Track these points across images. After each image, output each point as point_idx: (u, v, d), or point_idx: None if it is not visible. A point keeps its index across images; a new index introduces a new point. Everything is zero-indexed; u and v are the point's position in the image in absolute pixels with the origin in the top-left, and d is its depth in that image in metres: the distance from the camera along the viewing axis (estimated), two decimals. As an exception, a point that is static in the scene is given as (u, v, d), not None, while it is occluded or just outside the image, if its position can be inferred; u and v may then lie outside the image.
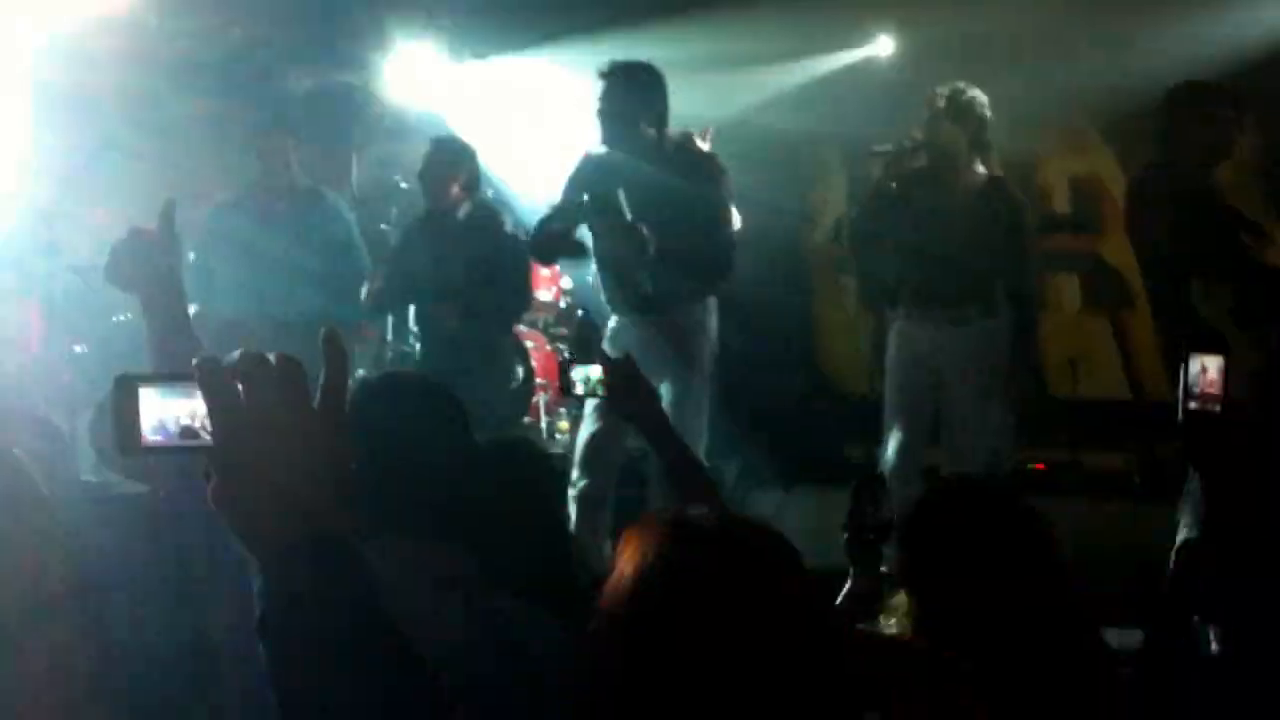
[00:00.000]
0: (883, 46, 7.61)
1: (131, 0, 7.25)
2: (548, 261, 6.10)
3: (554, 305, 7.22)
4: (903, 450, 5.18)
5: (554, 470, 3.03)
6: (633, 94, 4.91)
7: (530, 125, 7.48)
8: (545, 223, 5.20)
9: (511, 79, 7.74)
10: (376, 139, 7.88)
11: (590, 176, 5.04)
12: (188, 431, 1.12)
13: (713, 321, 5.15)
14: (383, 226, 7.18)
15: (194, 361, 1.11)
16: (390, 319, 6.80)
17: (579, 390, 2.86)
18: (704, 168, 4.97)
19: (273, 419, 1.10)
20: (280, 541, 1.09)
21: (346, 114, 7.80)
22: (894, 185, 5.16)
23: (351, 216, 6.10)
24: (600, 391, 2.83)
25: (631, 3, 7.24)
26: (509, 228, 5.80)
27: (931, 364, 5.21)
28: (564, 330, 7.27)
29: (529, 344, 6.82)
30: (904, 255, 5.28)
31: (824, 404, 7.49)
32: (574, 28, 7.41)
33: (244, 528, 1.11)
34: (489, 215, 5.81)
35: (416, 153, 5.94)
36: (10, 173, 5.88)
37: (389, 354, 6.87)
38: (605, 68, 4.95)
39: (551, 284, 7.14)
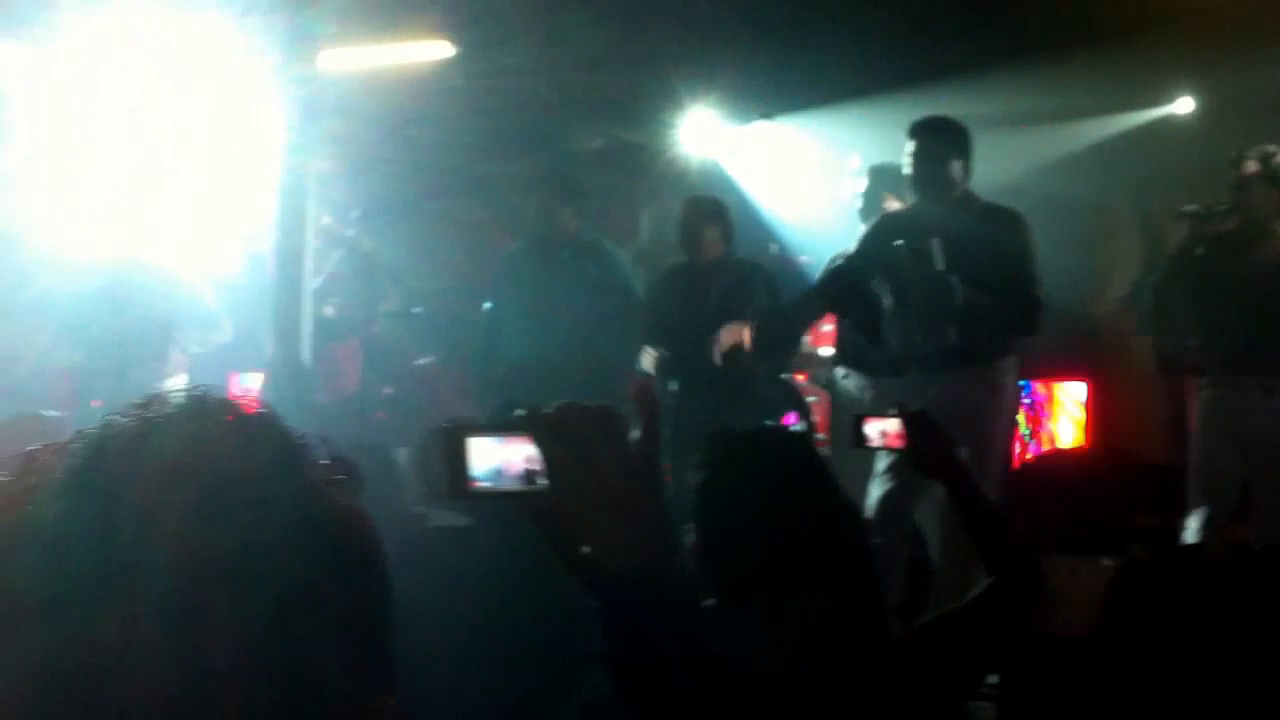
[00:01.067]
0: (1182, 105, 7.37)
1: (438, 63, 7.73)
2: (835, 308, 6.04)
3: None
4: (1208, 523, 4.95)
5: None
6: (943, 150, 4.89)
7: (813, 184, 7.54)
8: (838, 270, 5.22)
9: (799, 138, 7.83)
10: (661, 197, 8.10)
11: (894, 230, 5.01)
12: (515, 478, 1.20)
13: (1013, 381, 5.06)
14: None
15: (518, 412, 1.19)
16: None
17: (874, 443, 2.83)
18: (1011, 225, 4.89)
19: (598, 465, 1.17)
20: (614, 579, 1.16)
21: (633, 171, 8.04)
22: (1200, 249, 4.99)
23: (630, 269, 6.28)
24: (897, 445, 2.79)
25: (913, 63, 7.23)
26: (762, 281, 5.90)
27: (1240, 434, 4.98)
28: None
29: (812, 399, 6.82)
30: (1210, 320, 5.08)
31: (1112, 470, 7.20)
32: (860, 88, 7.45)
33: (579, 566, 1.18)
34: (743, 268, 5.94)
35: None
36: (337, 220, 6.27)
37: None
38: (917, 124, 4.94)
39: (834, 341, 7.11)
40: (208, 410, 0.88)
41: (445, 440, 1.19)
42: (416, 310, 6.68)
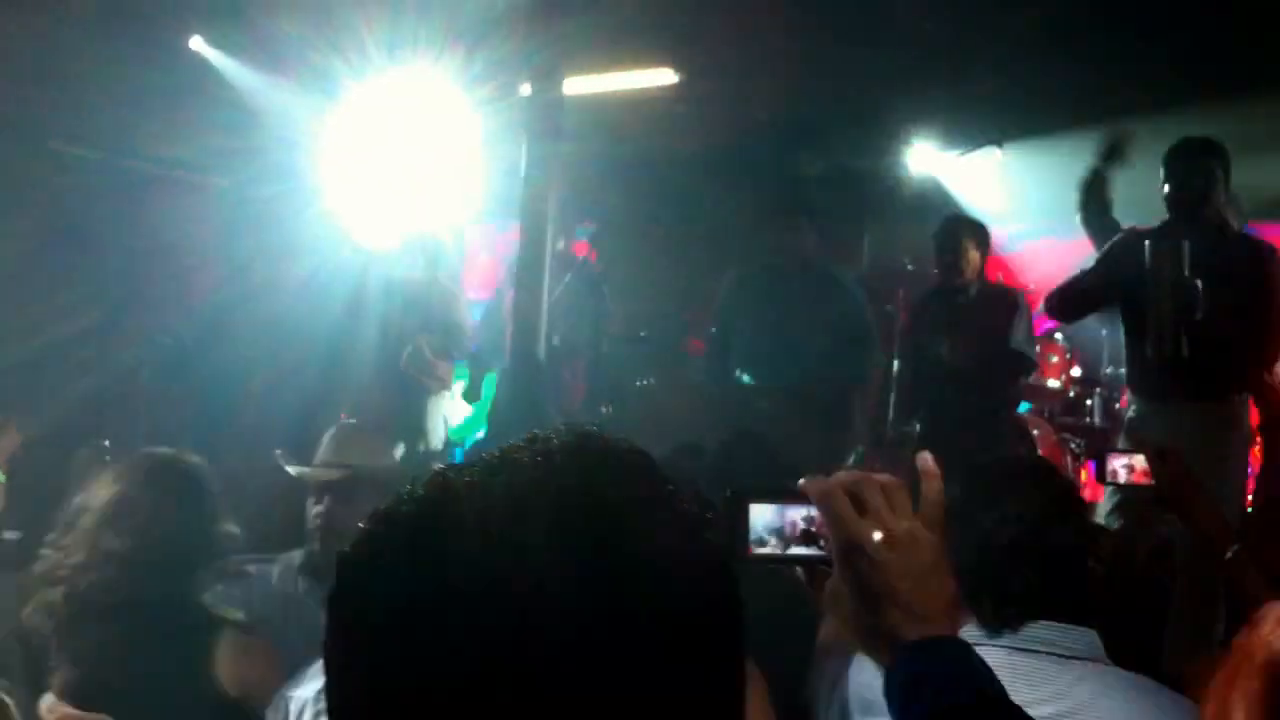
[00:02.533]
0: None
1: (661, 89, 7.89)
2: (1069, 316, 5.87)
3: (1063, 393, 7.05)
4: None
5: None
6: (1201, 172, 4.74)
7: (1044, 210, 7.41)
8: (1078, 280, 5.11)
9: (1028, 164, 7.70)
10: (885, 222, 8.07)
11: (1140, 247, 4.87)
12: (798, 541, 1.25)
13: (1246, 415, 4.86)
14: (887, 308, 7.31)
15: (801, 482, 1.24)
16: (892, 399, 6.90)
17: (1120, 479, 2.78)
18: (1263, 256, 4.71)
19: (883, 532, 1.21)
20: (915, 644, 1.19)
21: (857, 196, 8.04)
22: None
23: (862, 294, 6.28)
24: (1142, 481, 2.73)
25: (1152, 87, 7.04)
26: (1020, 306, 5.81)
27: None
28: (1071, 420, 7.07)
29: (1035, 431, 6.70)
30: None
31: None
32: (1092, 114, 7.28)
33: (873, 632, 1.21)
34: (1000, 294, 5.84)
35: (924, 236, 6.07)
36: (567, 243, 6.48)
37: (888, 433, 6.96)
38: (1176, 146, 4.81)
39: (1060, 371, 7.00)
40: (594, 446, 0.92)
41: (729, 506, 1.26)
42: (643, 334, 6.82)
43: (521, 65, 6.39)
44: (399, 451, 5.69)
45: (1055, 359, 6.91)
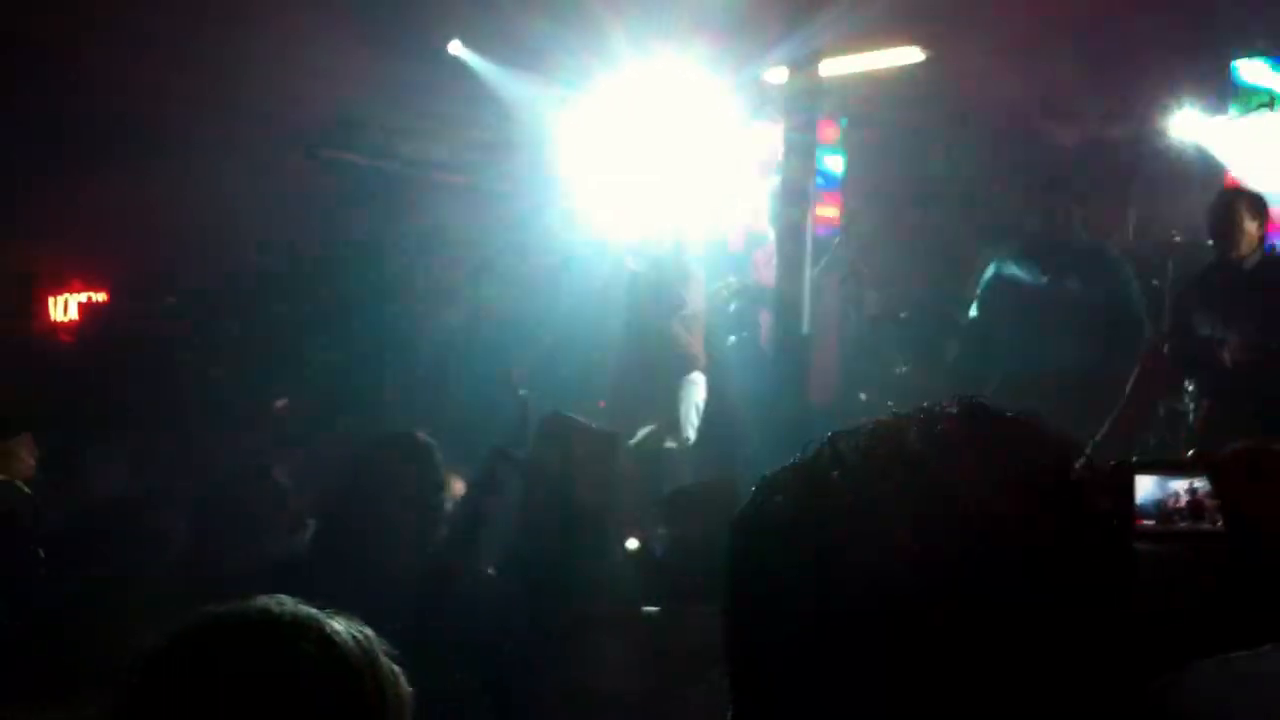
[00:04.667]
0: None
1: (914, 69, 7.79)
2: None
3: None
4: None
5: None
6: None
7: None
8: None
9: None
10: (1150, 192, 7.74)
11: None
12: (1186, 515, 1.19)
13: None
14: (1154, 283, 7.01)
15: (1191, 452, 1.18)
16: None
17: None
18: None
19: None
20: None
21: (1120, 167, 7.74)
22: None
23: (1130, 270, 6.04)
24: None
25: None
26: None
27: None
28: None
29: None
30: None
31: None
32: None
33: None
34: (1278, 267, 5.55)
35: (1192, 207, 5.80)
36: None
37: (1160, 411, 6.68)
38: None
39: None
40: (990, 417, 0.93)
41: (1114, 477, 1.21)
42: (903, 315, 6.73)
43: (772, 51, 6.40)
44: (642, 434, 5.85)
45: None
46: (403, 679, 1.47)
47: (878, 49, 7.95)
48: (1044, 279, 5.88)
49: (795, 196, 5.66)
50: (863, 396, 6.50)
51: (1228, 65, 7.63)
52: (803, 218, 5.66)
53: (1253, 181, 7.18)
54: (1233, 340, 5.39)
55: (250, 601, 1.43)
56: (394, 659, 1.48)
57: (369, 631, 1.46)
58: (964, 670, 0.84)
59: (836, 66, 7.40)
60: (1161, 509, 1.20)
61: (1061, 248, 5.93)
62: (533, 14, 7.17)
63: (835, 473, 0.90)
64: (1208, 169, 7.33)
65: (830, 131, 8.45)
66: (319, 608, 1.44)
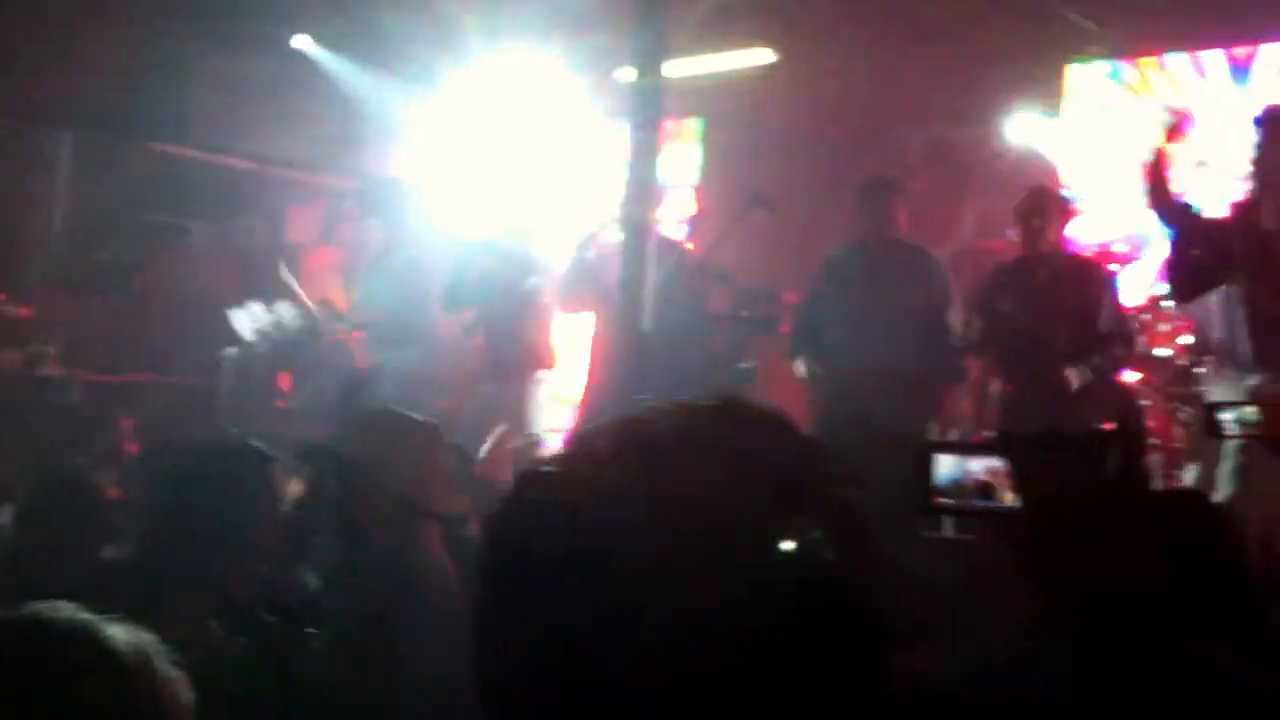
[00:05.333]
0: None
1: (763, 69, 7.90)
2: (1186, 297, 5.78)
3: (1173, 362, 6.88)
4: None
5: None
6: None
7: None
8: (1186, 259, 5.07)
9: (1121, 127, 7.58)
10: (983, 194, 7.97)
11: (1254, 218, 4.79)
12: (979, 494, 1.26)
13: None
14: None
15: (992, 434, 1.25)
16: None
17: (1230, 431, 2.74)
18: None
19: (1079, 491, 1.20)
20: (1095, 603, 1.19)
21: (954, 169, 7.96)
22: None
23: (946, 273, 6.21)
24: (1256, 431, 2.70)
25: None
26: (1105, 278, 5.77)
27: None
28: (1181, 389, 6.90)
29: (1145, 402, 6.58)
30: None
31: None
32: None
33: (1051, 587, 1.21)
34: (1081, 265, 5.81)
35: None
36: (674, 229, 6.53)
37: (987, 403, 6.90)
38: (1261, 114, 4.74)
39: (1170, 340, 6.83)
40: (739, 409, 0.96)
41: (916, 455, 1.27)
42: (744, 314, 6.83)
43: (621, 51, 6.42)
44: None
45: (1165, 327, 6.75)
46: (184, 686, 1.49)
47: (729, 50, 8.06)
48: (864, 278, 6.05)
49: (638, 196, 5.70)
50: (703, 391, 6.56)
51: (1062, 69, 7.91)
52: (646, 217, 5.71)
53: (1083, 181, 7.47)
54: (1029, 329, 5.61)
55: (27, 607, 1.46)
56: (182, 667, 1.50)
57: (150, 638, 1.48)
58: (697, 661, 0.85)
59: (690, 67, 7.49)
60: (960, 487, 1.26)
61: (890, 246, 6.10)
62: (384, 9, 7.12)
63: (584, 466, 0.92)
64: (1043, 170, 7.58)
65: (684, 131, 8.55)
66: (126, 615, 1.48)
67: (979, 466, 1.28)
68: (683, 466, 0.90)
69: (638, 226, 5.69)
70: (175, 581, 2.73)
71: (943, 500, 1.29)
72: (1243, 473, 4.58)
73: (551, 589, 0.87)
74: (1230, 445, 4.49)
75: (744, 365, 6.93)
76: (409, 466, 3.36)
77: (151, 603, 2.50)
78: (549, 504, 0.91)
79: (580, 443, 0.95)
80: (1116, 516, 1.25)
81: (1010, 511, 1.25)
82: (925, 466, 1.29)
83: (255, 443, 3.22)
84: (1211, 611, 2.31)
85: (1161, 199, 5.02)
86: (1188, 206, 5.06)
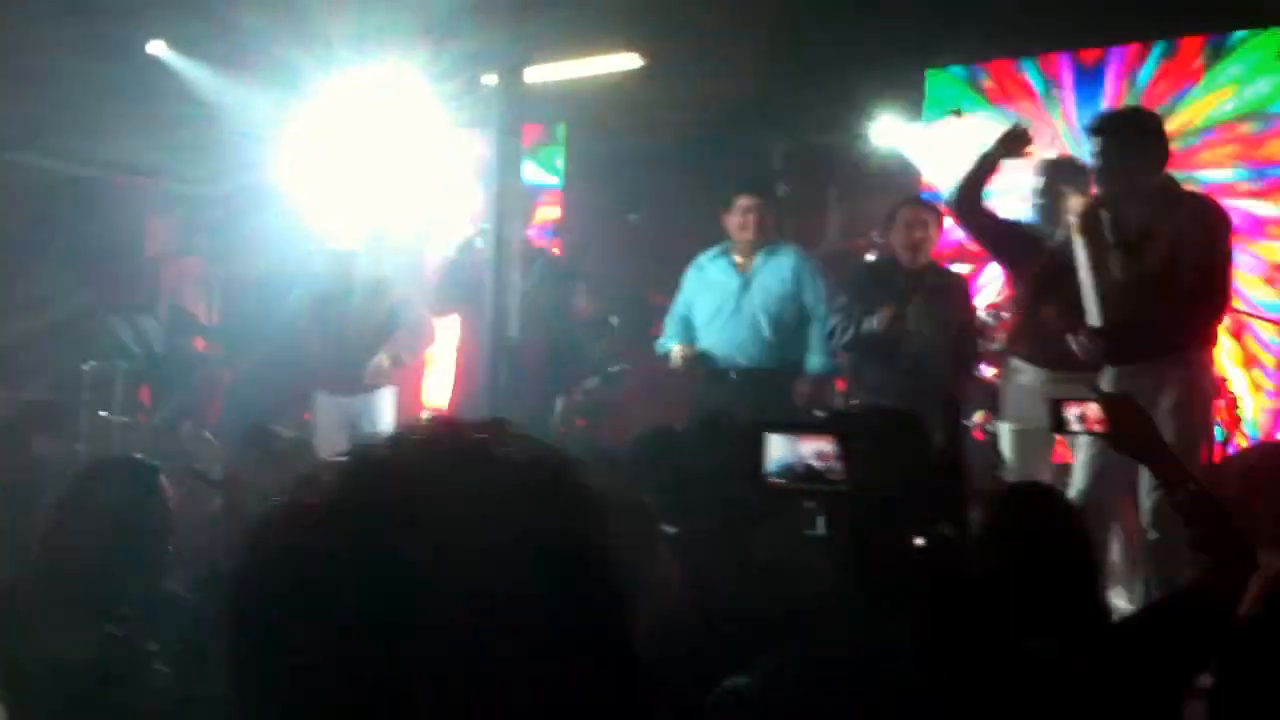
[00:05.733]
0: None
1: (629, 75, 7.92)
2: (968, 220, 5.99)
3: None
4: None
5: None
6: (1127, 144, 4.82)
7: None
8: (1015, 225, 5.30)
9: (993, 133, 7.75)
10: (852, 195, 8.12)
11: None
12: (809, 473, 1.28)
13: (1206, 373, 4.89)
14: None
15: (821, 414, 1.28)
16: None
17: (1074, 427, 2.82)
18: (1205, 214, 4.79)
19: (901, 468, 1.23)
20: (923, 575, 1.21)
21: (823, 173, 8.09)
22: None
23: (811, 271, 6.31)
24: (1098, 429, 2.78)
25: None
26: (960, 288, 5.99)
27: None
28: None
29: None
30: None
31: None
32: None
33: (873, 560, 1.24)
34: (949, 271, 6.02)
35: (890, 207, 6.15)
36: (536, 231, 6.51)
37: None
38: (1094, 123, 4.90)
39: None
40: (454, 438, 0.93)
41: (746, 436, 1.28)
42: (613, 319, 6.86)
43: (486, 56, 6.40)
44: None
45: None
46: None
47: (594, 55, 8.07)
48: (732, 280, 6.16)
49: (504, 202, 5.70)
50: (575, 397, 6.61)
51: (922, 75, 8.08)
52: (509, 223, 5.71)
53: (941, 182, 7.63)
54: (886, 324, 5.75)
55: None
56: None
57: None
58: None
59: (556, 72, 7.49)
60: (793, 466, 1.28)
61: (750, 246, 6.20)
62: (244, 14, 6.99)
63: (310, 500, 0.91)
64: (904, 173, 7.74)
65: (548, 136, 8.54)
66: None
67: (812, 447, 1.30)
68: (405, 483, 0.89)
69: (503, 233, 5.69)
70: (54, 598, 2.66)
71: (775, 480, 1.31)
72: (1089, 468, 4.75)
73: (288, 626, 0.86)
74: (1080, 441, 4.65)
75: (613, 369, 6.97)
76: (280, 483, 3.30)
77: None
78: (274, 542, 0.90)
79: (312, 476, 0.93)
80: (935, 495, 1.28)
81: (837, 489, 1.27)
82: (758, 446, 1.31)
83: (139, 456, 3.15)
84: (1054, 605, 2.37)
85: (969, 208, 5.19)
86: (994, 217, 5.26)
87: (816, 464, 1.29)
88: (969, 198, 5.18)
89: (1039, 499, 2.88)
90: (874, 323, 5.71)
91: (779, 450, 1.31)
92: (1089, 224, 4.80)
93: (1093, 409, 2.76)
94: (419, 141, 6.88)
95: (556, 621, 0.86)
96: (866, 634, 1.36)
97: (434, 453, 0.92)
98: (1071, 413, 2.79)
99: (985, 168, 5.17)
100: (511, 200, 5.77)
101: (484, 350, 5.70)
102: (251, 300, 6.60)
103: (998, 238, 5.36)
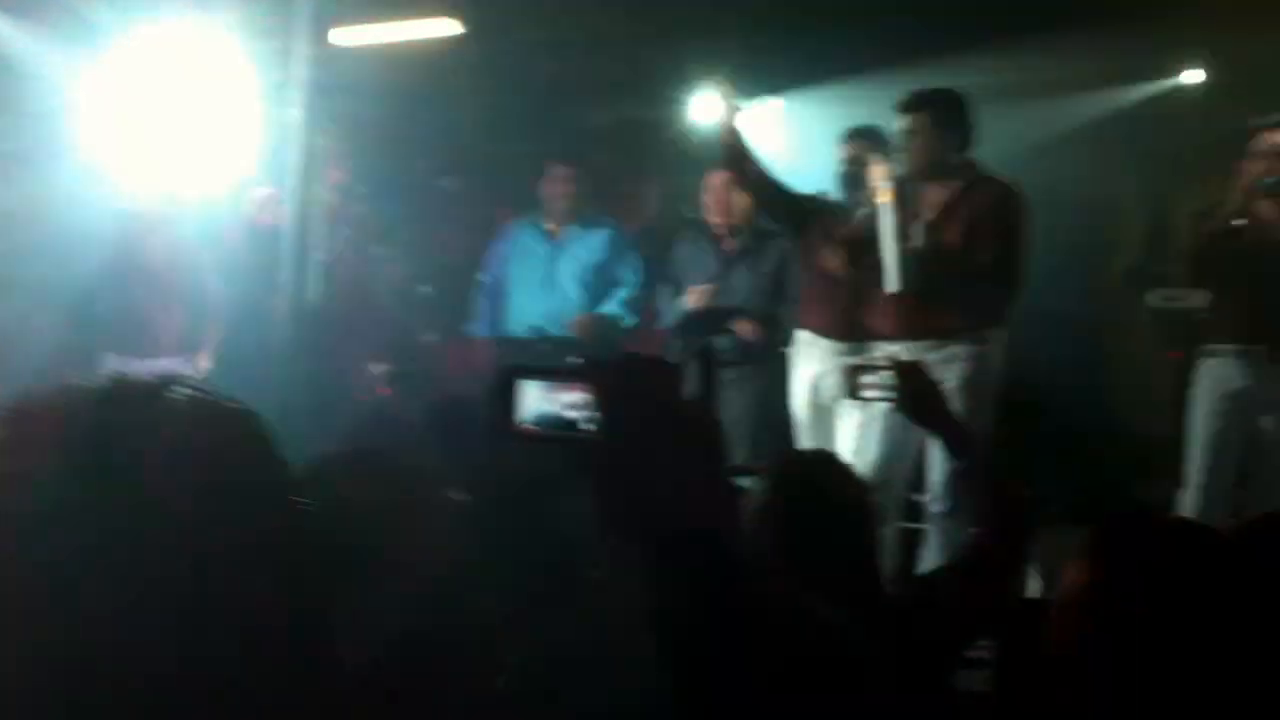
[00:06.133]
0: (1192, 76, 7.36)
1: (445, 41, 7.77)
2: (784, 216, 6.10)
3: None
4: (1206, 491, 5.01)
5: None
6: (935, 121, 4.92)
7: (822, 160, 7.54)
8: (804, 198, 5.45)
9: (809, 114, 7.85)
10: (672, 172, 8.13)
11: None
12: (565, 423, 1.23)
13: (996, 352, 5.03)
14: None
15: (579, 360, 1.22)
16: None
17: (867, 394, 2.86)
18: (1004, 198, 4.92)
19: (652, 416, 1.18)
20: (662, 534, 1.16)
21: (641, 147, 8.08)
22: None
23: (624, 244, 6.32)
24: (889, 395, 2.83)
25: (922, 36, 7.25)
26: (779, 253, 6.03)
27: (1241, 401, 5.04)
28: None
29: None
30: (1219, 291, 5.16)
31: (1113, 442, 7.27)
32: (868, 62, 7.46)
33: (623, 516, 1.18)
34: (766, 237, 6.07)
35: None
36: (343, 198, 6.34)
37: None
38: (905, 100, 4.99)
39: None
40: (181, 399, 0.89)
41: (499, 381, 1.22)
42: (425, 288, 6.75)
43: (296, 16, 6.19)
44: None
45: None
46: None
47: (412, 19, 7.89)
48: (552, 247, 6.13)
49: (307, 165, 5.53)
50: (384, 366, 6.49)
51: (746, 53, 8.10)
52: (312, 186, 5.55)
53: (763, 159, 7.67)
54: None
55: None
56: None
57: None
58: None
59: (371, 35, 7.30)
60: (549, 416, 1.22)
61: (563, 217, 6.17)
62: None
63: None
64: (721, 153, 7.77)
65: (359, 101, 8.31)
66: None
67: (570, 397, 1.24)
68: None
69: (306, 196, 5.52)
70: None
71: (526, 426, 1.24)
72: (869, 433, 4.86)
73: None
74: (872, 408, 4.74)
75: (426, 338, 6.86)
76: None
77: None
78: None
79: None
80: (688, 443, 1.23)
81: (587, 437, 1.21)
82: (509, 392, 1.25)
83: None
84: (833, 572, 2.39)
85: (741, 181, 5.41)
86: (773, 187, 5.44)
87: (572, 414, 1.23)
88: (735, 172, 5.29)
89: (820, 466, 2.92)
90: (685, 302, 5.77)
91: (535, 399, 1.25)
92: (898, 193, 4.89)
93: (885, 376, 2.80)
94: (222, 102, 6.61)
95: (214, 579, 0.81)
96: (635, 599, 1.30)
97: (106, 400, 0.87)
98: (865, 379, 2.83)
99: (733, 145, 5.26)
100: (316, 163, 5.61)
101: (284, 317, 5.50)
102: (42, 258, 6.26)
103: (774, 207, 5.40)
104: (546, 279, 6.12)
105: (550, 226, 6.27)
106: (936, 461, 4.69)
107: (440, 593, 2.35)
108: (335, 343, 5.59)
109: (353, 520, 2.38)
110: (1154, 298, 6.29)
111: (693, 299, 5.76)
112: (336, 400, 5.34)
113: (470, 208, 7.33)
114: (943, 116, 4.93)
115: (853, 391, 2.86)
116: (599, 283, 6.15)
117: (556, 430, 1.25)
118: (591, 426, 1.22)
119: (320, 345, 5.51)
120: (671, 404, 1.22)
